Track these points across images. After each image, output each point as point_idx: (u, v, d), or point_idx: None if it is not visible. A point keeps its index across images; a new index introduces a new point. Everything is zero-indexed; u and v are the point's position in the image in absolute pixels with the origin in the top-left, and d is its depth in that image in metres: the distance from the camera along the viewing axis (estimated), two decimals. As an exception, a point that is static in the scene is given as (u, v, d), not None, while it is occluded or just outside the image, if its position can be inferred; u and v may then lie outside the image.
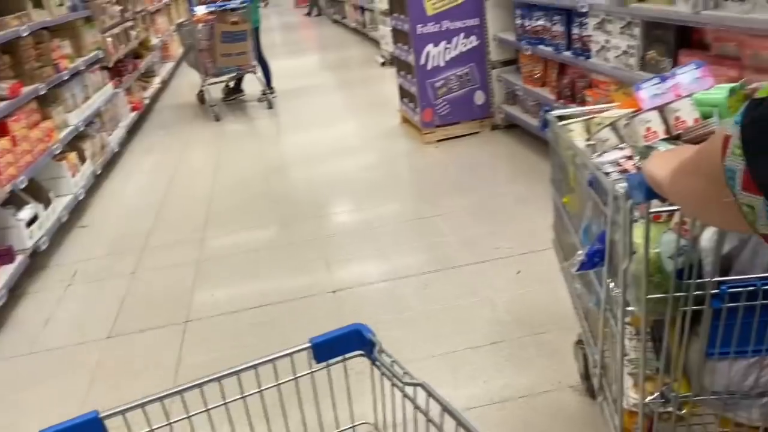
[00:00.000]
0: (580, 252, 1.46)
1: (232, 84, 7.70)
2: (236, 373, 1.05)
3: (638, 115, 1.47)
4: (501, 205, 3.73)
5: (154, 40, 8.85)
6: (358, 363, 1.12)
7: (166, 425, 1.05)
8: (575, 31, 3.60)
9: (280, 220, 3.99)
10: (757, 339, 1.24)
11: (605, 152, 1.46)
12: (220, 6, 6.58)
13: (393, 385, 1.02)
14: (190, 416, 1.07)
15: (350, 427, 1.22)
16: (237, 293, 3.16)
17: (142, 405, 1.00)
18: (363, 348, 1.08)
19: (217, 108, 6.84)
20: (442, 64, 4.88)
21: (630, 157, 1.42)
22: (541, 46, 4.07)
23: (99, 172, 5.00)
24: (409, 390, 0.98)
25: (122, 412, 0.99)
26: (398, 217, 3.79)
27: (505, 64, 4.99)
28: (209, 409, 1.08)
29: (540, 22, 4.04)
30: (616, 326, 1.37)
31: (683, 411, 1.38)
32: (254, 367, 1.05)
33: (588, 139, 1.60)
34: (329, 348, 1.08)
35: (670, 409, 1.35)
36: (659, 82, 1.49)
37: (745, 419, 1.35)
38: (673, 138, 1.43)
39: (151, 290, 3.32)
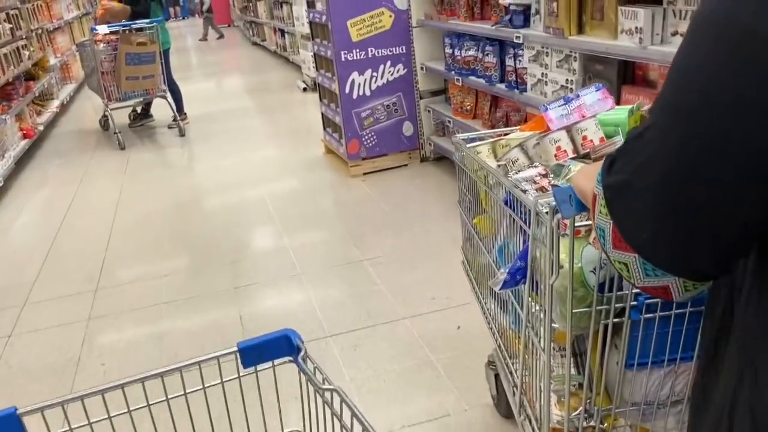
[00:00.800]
0: (502, 270, 1.44)
1: (139, 109, 7.14)
2: (160, 375, 1.01)
3: (548, 135, 1.50)
4: (435, 247, 3.46)
5: (53, 60, 8.13)
6: (289, 369, 1.08)
7: (85, 425, 1.01)
8: (509, 63, 3.41)
9: (188, 267, 3.54)
10: (671, 348, 1.27)
11: (519, 171, 1.48)
12: (125, 26, 6.04)
13: (315, 390, 1.02)
14: (111, 417, 1.03)
15: None
16: (133, 362, 2.69)
17: (62, 403, 0.97)
18: (292, 354, 1.06)
19: (122, 135, 6.26)
20: (368, 93, 4.61)
21: (545, 175, 1.43)
22: (472, 77, 3.86)
23: (-23, 210, 4.36)
24: (328, 396, 0.99)
25: (41, 410, 0.95)
26: (324, 261, 3.44)
27: (434, 94, 4.78)
28: (131, 410, 1.04)
29: (471, 53, 3.84)
30: (540, 343, 1.36)
31: (605, 425, 1.38)
32: (179, 369, 1.01)
33: (498, 160, 1.61)
34: (257, 353, 1.06)
35: (593, 423, 1.36)
36: (564, 104, 1.55)
37: (661, 428, 1.36)
38: (581, 156, 1.48)
39: (29, 359, 2.79)
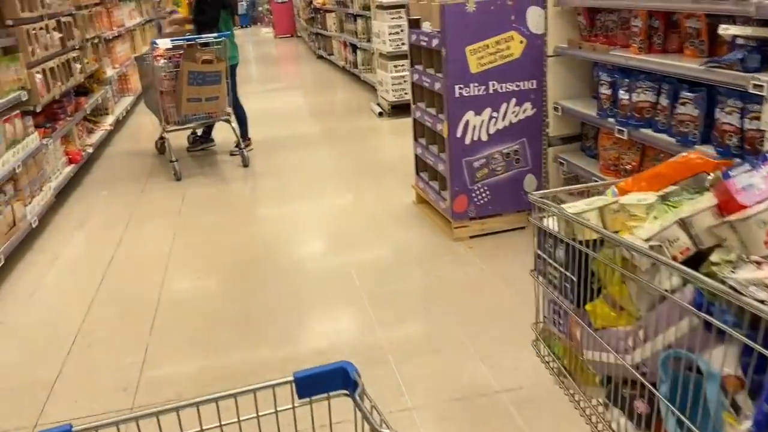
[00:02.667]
0: (747, 414, 1.04)
1: (200, 131, 6.37)
2: (215, 400, 1.01)
3: (755, 215, 1.15)
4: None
5: (110, 72, 7.47)
6: (343, 402, 1.05)
7: None
8: (726, 119, 2.37)
9: (251, 374, 2.61)
10: None
11: (734, 269, 1.10)
12: (188, 40, 5.26)
13: (371, 430, 0.97)
14: None
15: None
16: None
17: (116, 423, 0.96)
18: (347, 387, 1.04)
19: (178, 164, 5.47)
20: (484, 137, 3.63)
21: None
22: (647, 131, 2.83)
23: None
24: None
25: (96, 428, 0.95)
26: (441, 389, 2.45)
27: (565, 141, 3.76)
28: None
29: (647, 97, 2.81)
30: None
31: None
32: (234, 396, 1.02)
33: (649, 239, 1.25)
34: (313, 384, 1.05)
35: None
36: (751, 169, 1.22)
37: None
38: None
39: None
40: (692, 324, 1.14)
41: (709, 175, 1.37)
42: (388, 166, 5.43)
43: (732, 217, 1.17)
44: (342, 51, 10.73)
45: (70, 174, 5.14)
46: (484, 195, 3.73)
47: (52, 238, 4.28)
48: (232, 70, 5.72)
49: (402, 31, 6.88)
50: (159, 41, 5.13)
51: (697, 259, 1.20)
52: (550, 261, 1.54)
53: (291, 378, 1.03)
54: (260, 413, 1.05)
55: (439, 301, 3.14)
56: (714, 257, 1.16)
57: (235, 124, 5.84)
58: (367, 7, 8.32)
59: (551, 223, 1.52)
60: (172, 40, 5.16)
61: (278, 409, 1.05)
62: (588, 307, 1.41)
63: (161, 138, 6.20)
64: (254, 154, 6.03)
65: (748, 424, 1.04)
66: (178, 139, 6.33)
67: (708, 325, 1.08)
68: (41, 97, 4.50)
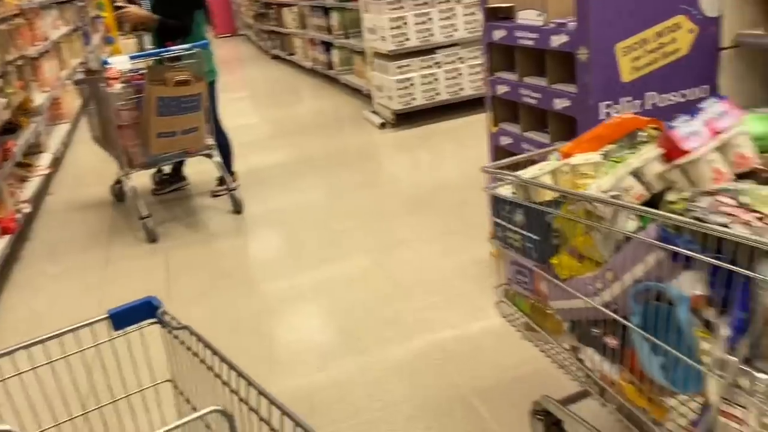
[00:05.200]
0: (724, 328, 1.17)
1: (167, 167, 5.01)
2: (42, 341, 1.17)
3: (703, 156, 1.33)
4: None
5: (40, 99, 5.95)
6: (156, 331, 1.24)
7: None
8: None
9: None
10: None
11: (694, 200, 1.27)
12: (153, 54, 3.91)
13: (169, 332, 1.19)
14: (5, 379, 1.17)
15: (152, 386, 1.38)
16: None
17: None
18: (156, 316, 1.24)
19: (151, 222, 4.11)
20: (638, 174, 2.50)
21: (740, 205, 1.19)
22: None
23: None
24: (183, 336, 1.15)
25: None
26: None
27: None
28: (20, 373, 1.19)
29: None
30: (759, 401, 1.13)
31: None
32: (58, 336, 1.18)
33: (607, 190, 1.41)
34: (125, 317, 1.25)
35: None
36: (690, 119, 1.38)
37: None
38: (743, 176, 1.33)
39: None
40: (658, 258, 1.24)
41: (642, 132, 1.55)
42: (422, 200, 4.23)
43: (682, 160, 1.33)
44: (309, 50, 9.41)
45: (5, 252, 3.72)
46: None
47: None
48: (211, 88, 4.40)
49: (405, 24, 5.68)
50: (113, 59, 3.74)
51: (649, 203, 1.36)
52: (510, 226, 1.63)
53: (106, 315, 1.21)
54: (83, 347, 1.25)
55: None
56: (670, 197, 1.34)
57: (218, 158, 4.51)
58: (347, -2, 7.07)
59: (505, 191, 1.65)
60: (131, 57, 3.78)
61: (98, 342, 1.25)
62: (554, 260, 1.52)
63: (119, 182, 4.82)
64: (240, 191, 4.73)
65: (726, 331, 1.14)
66: (139, 177, 4.96)
67: (674, 256, 1.20)
68: (-50, 155, 3.08)
